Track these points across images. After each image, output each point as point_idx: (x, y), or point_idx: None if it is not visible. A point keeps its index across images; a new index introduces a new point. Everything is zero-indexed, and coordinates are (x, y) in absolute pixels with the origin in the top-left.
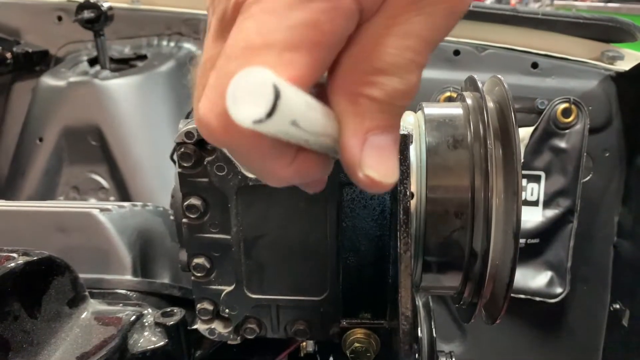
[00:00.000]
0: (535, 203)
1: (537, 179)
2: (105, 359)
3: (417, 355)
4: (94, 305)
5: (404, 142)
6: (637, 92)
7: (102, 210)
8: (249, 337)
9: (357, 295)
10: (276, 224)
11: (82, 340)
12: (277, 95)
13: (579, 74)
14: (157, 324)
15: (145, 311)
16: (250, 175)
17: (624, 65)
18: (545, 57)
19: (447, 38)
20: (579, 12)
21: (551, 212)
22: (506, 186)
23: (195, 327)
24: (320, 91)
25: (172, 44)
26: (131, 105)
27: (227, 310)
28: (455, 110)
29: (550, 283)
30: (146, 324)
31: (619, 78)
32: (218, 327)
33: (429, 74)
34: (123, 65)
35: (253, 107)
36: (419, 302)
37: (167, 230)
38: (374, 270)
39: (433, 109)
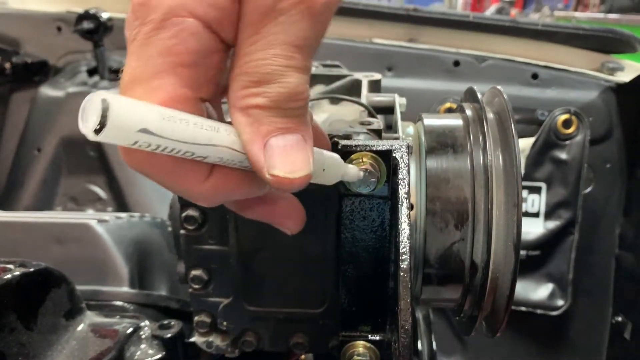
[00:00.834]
0: (536, 214)
1: (538, 190)
2: None
3: None
4: (91, 317)
5: (404, 152)
6: (638, 104)
7: (99, 221)
8: (247, 350)
9: (357, 308)
10: (275, 235)
11: (78, 352)
12: (105, 108)
13: (579, 85)
14: (154, 337)
15: (143, 323)
16: None
17: (624, 77)
18: (546, 68)
19: (447, 49)
20: (579, 23)
21: (552, 224)
22: (507, 197)
23: (192, 339)
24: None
25: None
26: None
27: (225, 323)
28: (454, 121)
29: (552, 295)
30: (143, 336)
31: (619, 89)
32: (216, 340)
33: (428, 84)
34: None
35: (90, 121)
36: (419, 315)
37: (165, 241)
38: (373, 283)
39: (433, 120)
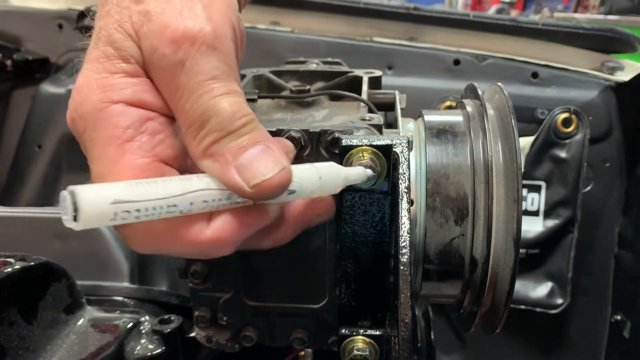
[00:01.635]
0: (535, 213)
1: (537, 189)
2: None
3: None
4: (91, 312)
5: (405, 147)
6: (637, 103)
7: None
8: (247, 345)
9: (356, 303)
10: None
11: (78, 347)
12: (73, 193)
13: (579, 84)
14: (154, 332)
15: (143, 318)
16: None
17: (624, 76)
18: (546, 67)
19: (448, 47)
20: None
21: (552, 223)
22: (507, 193)
23: (192, 335)
24: None
25: None
26: None
27: (224, 318)
28: (455, 117)
29: (551, 294)
30: (143, 331)
31: (619, 88)
32: (216, 335)
33: (429, 83)
34: None
35: (68, 212)
36: (419, 313)
37: None
38: (373, 278)
39: (433, 116)
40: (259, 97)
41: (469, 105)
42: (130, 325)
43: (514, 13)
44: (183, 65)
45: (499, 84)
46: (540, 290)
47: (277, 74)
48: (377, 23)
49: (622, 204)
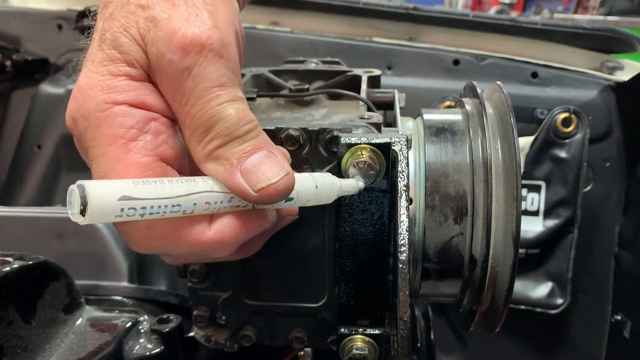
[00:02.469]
0: (535, 213)
1: (537, 188)
2: None
3: None
4: (90, 312)
5: (403, 145)
6: (637, 103)
7: None
8: (246, 344)
9: (356, 302)
10: None
11: (77, 346)
12: (82, 188)
13: (578, 84)
14: (153, 331)
15: (141, 318)
16: None
17: (623, 76)
18: (545, 67)
19: (447, 47)
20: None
21: (552, 222)
22: (506, 191)
23: (191, 334)
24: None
25: None
26: None
27: (223, 317)
28: (454, 116)
29: (551, 294)
30: (142, 330)
31: (619, 88)
32: (215, 334)
33: (428, 83)
34: None
35: (75, 206)
36: (419, 313)
37: None
38: (372, 276)
39: (432, 115)
40: (258, 96)
41: (468, 104)
42: (129, 324)
43: (513, 14)
44: (190, 71)
45: (498, 82)
46: (541, 290)
47: (277, 73)
48: (376, 23)
49: (622, 204)
